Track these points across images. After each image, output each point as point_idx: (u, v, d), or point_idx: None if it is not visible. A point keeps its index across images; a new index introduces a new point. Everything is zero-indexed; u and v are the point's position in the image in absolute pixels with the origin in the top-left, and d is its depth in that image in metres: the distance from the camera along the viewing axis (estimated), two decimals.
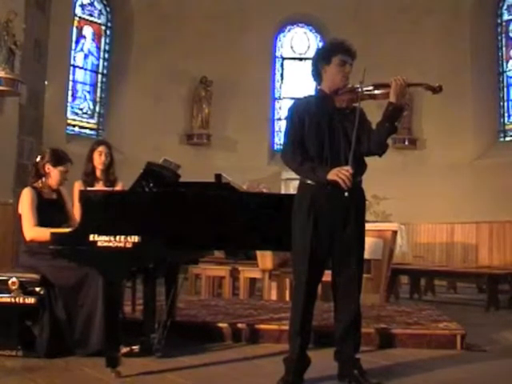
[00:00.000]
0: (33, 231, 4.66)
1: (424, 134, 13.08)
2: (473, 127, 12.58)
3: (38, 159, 4.92)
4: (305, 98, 4.09)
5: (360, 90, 3.83)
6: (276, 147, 13.82)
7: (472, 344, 5.06)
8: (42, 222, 4.70)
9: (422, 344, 5.04)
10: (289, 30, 14.40)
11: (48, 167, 4.85)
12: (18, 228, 4.85)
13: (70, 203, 5.09)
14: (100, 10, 13.38)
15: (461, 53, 12.71)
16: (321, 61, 3.96)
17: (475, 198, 11.67)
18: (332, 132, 3.84)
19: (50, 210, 4.77)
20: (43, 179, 4.87)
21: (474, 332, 5.39)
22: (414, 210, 11.83)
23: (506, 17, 13.00)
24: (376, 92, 3.86)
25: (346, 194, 3.66)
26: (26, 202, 4.74)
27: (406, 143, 12.93)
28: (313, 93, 4.12)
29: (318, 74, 4.00)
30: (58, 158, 4.88)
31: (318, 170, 3.77)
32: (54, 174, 4.86)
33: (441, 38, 12.74)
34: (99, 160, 5.49)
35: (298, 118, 3.89)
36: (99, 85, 13.38)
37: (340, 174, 3.65)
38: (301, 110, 3.92)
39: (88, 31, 13.19)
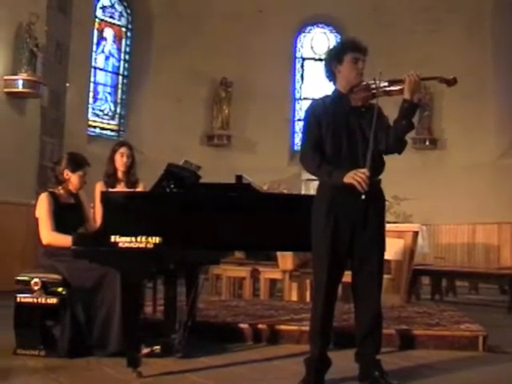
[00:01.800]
0: (50, 236, 4.70)
1: (445, 133, 13.02)
2: (494, 126, 12.48)
3: (54, 164, 4.96)
4: (321, 98, 4.05)
5: (375, 86, 3.81)
6: (296, 148, 13.79)
7: (494, 346, 5.02)
8: (57, 225, 4.73)
9: (443, 345, 5.01)
10: (309, 31, 14.40)
11: (67, 173, 4.87)
12: (35, 230, 4.89)
13: (88, 206, 5.12)
14: (120, 12, 13.46)
15: (482, 52, 12.62)
16: (333, 61, 3.93)
17: (497, 199, 11.59)
18: (349, 131, 3.83)
19: (66, 213, 4.80)
20: (63, 185, 4.90)
21: (496, 333, 5.35)
22: (435, 210, 11.78)
23: None
24: (391, 88, 3.83)
25: (363, 197, 3.63)
26: (43, 208, 4.77)
27: (427, 143, 12.89)
28: (330, 93, 4.10)
29: (331, 75, 3.98)
30: (77, 163, 4.90)
31: (334, 173, 3.75)
32: (73, 180, 4.88)
33: (462, 37, 12.67)
34: (121, 161, 5.51)
35: (314, 120, 3.87)
36: (120, 86, 13.46)
37: (356, 177, 3.62)
38: (317, 112, 3.90)
39: (109, 33, 13.26)
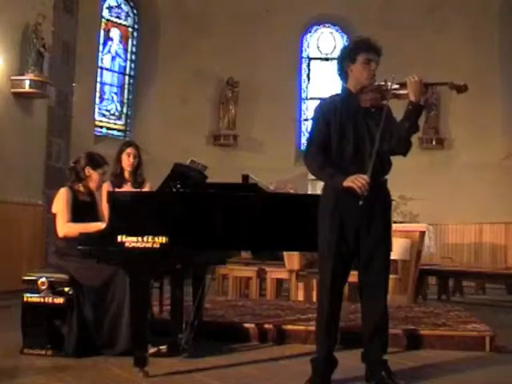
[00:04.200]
0: (66, 227, 4.72)
1: (452, 133, 12.98)
2: (501, 127, 12.45)
3: (74, 164, 4.99)
4: (331, 97, 4.04)
5: (385, 88, 3.79)
6: (303, 148, 13.76)
7: (501, 346, 5.01)
8: (73, 221, 4.75)
9: (450, 345, 5.00)
10: (315, 31, 14.37)
11: (88, 170, 4.92)
12: (50, 228, 4.91)
13: (104, 206, 5.15)
14: (127, 13, 13.46)
15: (489, 52, 12.59)
16: (346, 60, 3.92)
17: (504, 198, 11.56)
18: (356, 132, 3.81)
19: (83, 211, 4.83)
20: (83, 182, 4.94)
21: (503, 334, 5.34)
22: (441, 210, 11.75)
23: None
24: (400, 92, 3.80)
25: (361, 202, 3.61)
26: (61, 201, 4.81)
27: (434, 143, 12.84)
28: (340, 92, 4.09)
29: (343, 73, 3.96)
30: (97, 161, 4.98)
31: (335, 177, 3.74)
32: (94, 177, 4.94)
33: (469, 37, 12.64)
34: (127, 161, 5.53)
35: (323, 119, 3.86)
36: (126, 86, 13.47)
37: (357, 182, 3.61)
38: (326, 111, 3.89)
39: (115, 33, 13.27)
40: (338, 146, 3.81)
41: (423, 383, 3.98)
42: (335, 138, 3.81)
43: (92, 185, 4.97)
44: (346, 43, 12.91)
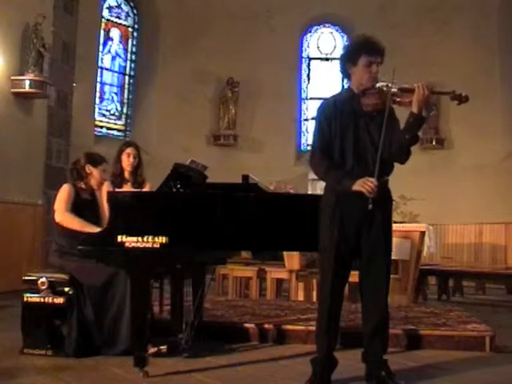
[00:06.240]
0: (64, 215, 4.76)
1: (452, 133, 12.98)
2: (501, 127, 12.45)
3: (73, 164, 5.04)
4: (333, 97, 4.01)
5: (386, 91, 3.75)
6: (303, 148, 13.78)
7: (501, 346, 5.01)
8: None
9: (450, 346, 5.00)
10: (315, 31, 14.37)
11: (89, 168, 4.95)
12: (50, 228, 4.92)
13: (105, 206, 5.16)
14: (127, 13, 13.46)
15: (489, 52, 12.59)
16: (347, 62, 3.88)
17: (504, 199, 11.56)
18: (357, 135, 3.79)
19: (83, 209, 4.86)
20: (85, 180, 4.97)
21: (503, 334, 5.35)
22: (441, 210, 11.75)
23: None
24: (402, 100, 3.72)
25: (370, 206, 3.61)
26: (63, 195, 4.84)
27: (434, 143, 12.84)
28: (342, 91, 4.06)
29: (346, 74, 3.95)
30: (96, 159, 5.01)
31: (343, 180, 3.73)
32: (95, 174, 4.97)
33: (469, 37, 12.63)
34: (127, 161, 5.53)
35: (325, 122, 3.84)
36: (126, 86, 13.47)
37: (365, 186, 3.61)
38: (328, 113, 3.87)
39: (115, 33, 13.27)
40: (339, 148, 3.80)
41: (423, 383, 3.98)
42: (336, 140, 3.80)
43: (94, 182, 4.99)
44: (348, 42, 12.90)
